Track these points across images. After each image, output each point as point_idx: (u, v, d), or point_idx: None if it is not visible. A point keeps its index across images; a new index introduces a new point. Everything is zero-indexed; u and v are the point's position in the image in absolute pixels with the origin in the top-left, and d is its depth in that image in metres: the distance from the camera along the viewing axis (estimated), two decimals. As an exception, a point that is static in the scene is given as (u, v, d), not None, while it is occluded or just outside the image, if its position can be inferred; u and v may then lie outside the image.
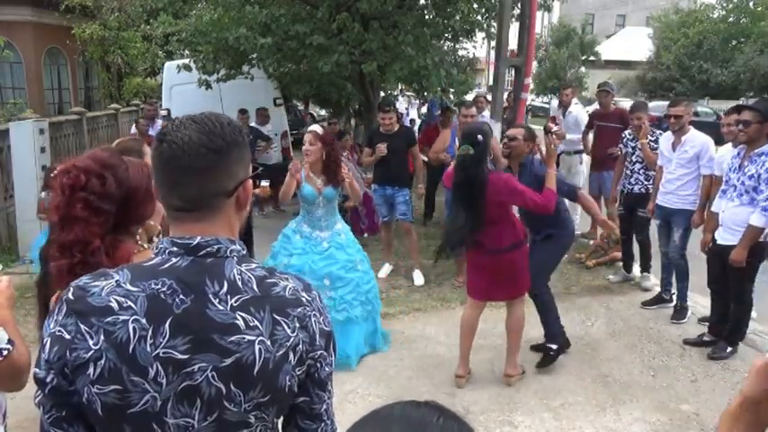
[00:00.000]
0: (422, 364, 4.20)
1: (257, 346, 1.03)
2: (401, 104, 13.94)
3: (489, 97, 8.06)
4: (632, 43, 31.63)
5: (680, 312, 4.92)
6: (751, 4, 27.46)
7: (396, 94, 12.46)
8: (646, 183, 5.34)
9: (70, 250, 1.47)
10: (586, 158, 7.19)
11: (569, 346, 4.32)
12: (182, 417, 1.02)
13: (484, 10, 8.22)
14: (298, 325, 1.08)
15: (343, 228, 4.41)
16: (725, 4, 28.22)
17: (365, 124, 9.11)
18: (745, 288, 4.15)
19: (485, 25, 9.06)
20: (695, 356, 4.32)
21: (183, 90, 8.77)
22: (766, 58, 24.85)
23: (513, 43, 6.80)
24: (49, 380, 1.00)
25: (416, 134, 7.81)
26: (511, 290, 3.85)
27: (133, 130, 8.55)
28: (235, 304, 1.04)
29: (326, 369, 1.14)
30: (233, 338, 1.02)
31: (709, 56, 26.83)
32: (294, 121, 12.14)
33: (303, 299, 1.11)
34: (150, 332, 1.00)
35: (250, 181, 1.14)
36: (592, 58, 28.81)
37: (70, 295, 1.02)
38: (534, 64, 17.97)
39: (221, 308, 1.03)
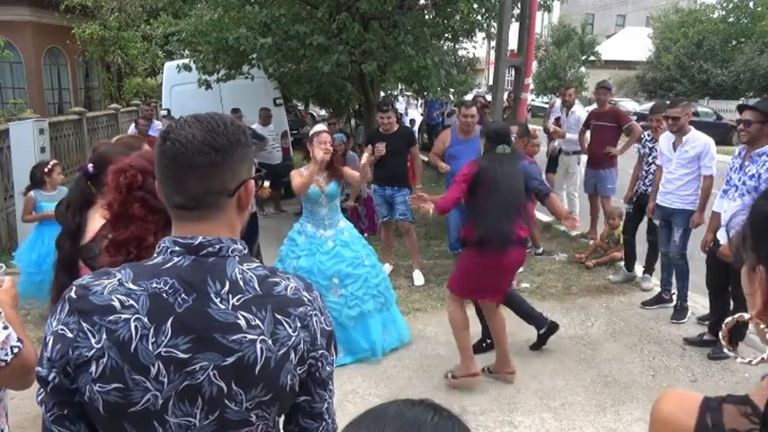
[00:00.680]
0: (422, 364, 4.19)
1: (258, 345, 1.03)
2: (401, 104, 13.95)
3: (489, 97, 8.06)
4: (632, 43, 31.61)
5: (680, 312, 4.92)
6: (751, 4, 27.45)
7: (396, 94, 12.47)
8: None
9: (126, 247, 1.49)
10: (584, 159, 7.20)
11: (558, 327, 4.41)
12: (183, 416, 1.02)
13: (484, 10, 8.23)
14: (299, 324, 1.08)
15: (346, 225, 4.47)
16: (725, 4, 28.21)
17: (365, 124, 9.11)
18: None
19: (485, 25, 9.08)
20: (695, 356, 4.32)
21: (182, 90, 8.78)
22: (766, 58, 24.85)
23: (513, 43, 6.81)
24: (51, 378, 1.00)
25: (416, 134, 7.81)
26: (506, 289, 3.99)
27: (132, 129, 8.56)
28: (236, 303, 1.04)
29: (327, 368, 1.14)
30: (234, 337, 1.02)
31: (709, 56, 26.83)
32: (294, 121, 12.13)
33: (305, 298, 1.11)
34: (152, 331, 1.00)
35: (252, 181, 1.14)
36: (592, 58, 28.78)
37: (73, 294, 1.03)
38: (534, 64, 18.02)
39: (223, 307, 1.03)
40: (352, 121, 14.10)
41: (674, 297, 5.05)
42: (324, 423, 1.17)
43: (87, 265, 1.94)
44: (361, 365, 4.17)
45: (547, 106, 11.75)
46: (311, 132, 4.44)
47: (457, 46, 11.11)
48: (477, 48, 12.40)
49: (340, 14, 6.72)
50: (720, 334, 0.89)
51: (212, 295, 1.04)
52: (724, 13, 28.33)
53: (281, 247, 4.48)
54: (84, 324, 0.99)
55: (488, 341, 4.34)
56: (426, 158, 7.27)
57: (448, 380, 3.89)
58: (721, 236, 4.15)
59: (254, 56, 7.21)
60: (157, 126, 8.29)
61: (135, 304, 1.01)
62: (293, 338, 1.07)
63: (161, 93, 10.35)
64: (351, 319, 4.23)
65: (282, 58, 7.38)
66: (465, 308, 3.89)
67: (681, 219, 4.77)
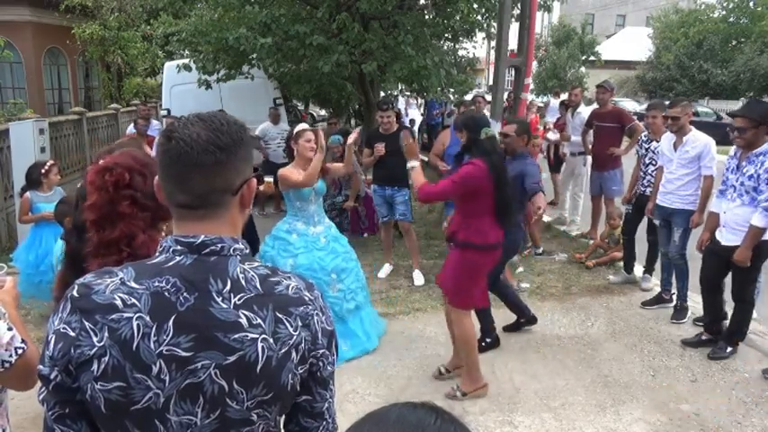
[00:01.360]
0: (422, 364, 4.19)
1: (260, 344, 1.04)
2: (401, 104, 13.96)
3: (489, 97, 8.06)
4: (632, 43, 31.61)
5: (680, 312, 4.92)
6: (751, 4, 27.45)
7: (396, 94, 12.48)
8: None
9: (117, 246, 1.48)
10: (590, 160, 7.21)
11: (536, 322, 4.68)
12: (184, 414, 1.02)
13: (484, 10, 8.23)
14: (300, 323, 1.09)
15: (330, 223, 4.59)
16: (725, 4, 28.21)
17: (365, 124, 9.11)
18: (748, 288, 4.15)
19: (485, 25, 9.08)
20: (695, 356, 4.32)
21: (182, 90, 8.78)
22: (766, 58, 24.85)
23: (513, 43, 6.80)
24: (53, 377, 1.00)
25: (416, 134, 7.81)
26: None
27: (131, 129, 8.55)
28: (238, 302, 1.05)
29: (328, 368, 1.15)
30: (236, 336, 1.03)
31: (710, 56, 26.83)
32: (294, 121, 12.14)
33: (306, 297, 1.12)
34: (154, 329, 1.00)
35: (254, 179, 1.15)
36: (592, 58, 28.77)
37: (75, 293, 1.03)
38: (534, 64, 18.00)
39: (224, 306, 1.04)
40: (352, 121, 14.11)
41: (674, 297, 5.05)
42: (324, 423, 1.18)
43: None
44: (362, 365, 4.17)
45: (542, 105, 11.76)
46: (295, 131, 4.47)
47: (457, 46, 11.11)
48: (477, 48, 12.41)
49: (340, 14, 6.71)
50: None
51: (214, 294, 1.04)
52: (724, 13, 28.33)
53: (263, 248, 4.39)
54: (86, 323, 1.00)
55: (488, 340, 4.37)
56: (426, 158, 7.26)
57: (452, 391, 3.74)
58: (722, 236, 4.15)
59: (254, 56, 7.21)
60: (156, 126, 8.28)
61: (137, 303, 1.01)
62: (294, 338, 1.07)
63: (161, 93, 10.35)
64: (349, 313, 4.36)
65: (282, 58, 7.38)
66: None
67: (681, 219, 4.77)
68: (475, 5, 7.96)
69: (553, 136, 8.46)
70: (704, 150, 4.66)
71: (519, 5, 7.07)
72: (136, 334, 0.99)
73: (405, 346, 4.48)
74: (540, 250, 6.64)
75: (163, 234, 1.66)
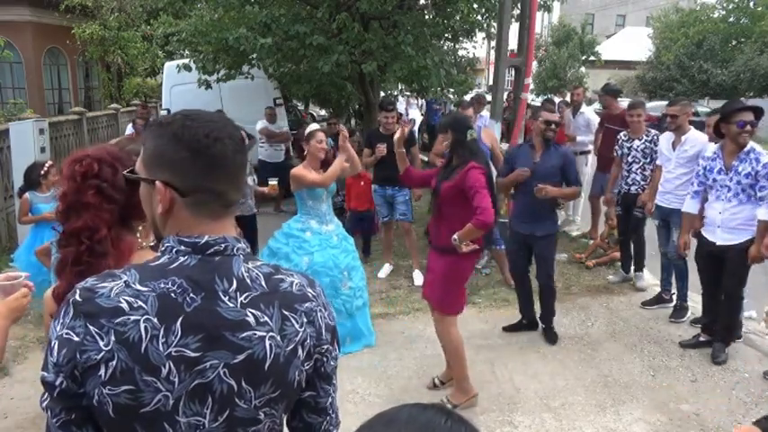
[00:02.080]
0: (422, 364, 4.19)
1: (268, 342, 1.05)
2: (401, 104, 13.96)
3: (489, 97, 8.06)
4: (632, 43, 31.59)
5: (679, 312, 4.92)
6: (751, 4, 27.42)
7: (396, 94, 12.48)
8: (642, 183, 5.35)
9: (77, 237, 1.47)
10: (592, 160, 7.21)
11: (536, 328, 4.71)
12: (193, 415, 1.02)
13: (484, 10, 8.24)
14: (305, 320, 1.10)
15: (337, 220, 4.68)
16: (725, 4, 28.18)
17: (365, 124, 9.12)
18: (742, 286, 4.16)
19: (485, 25, 9.08)
20: (695, 356, 4.32)
21: (183, 90, 8.77)
22: (766, 58, 24.82)
23: (513, 43, 6.80)
24: (58, 383, 0.99)
25: (416, 134, 7.81)
26: None
27: (130, 129, 8.56)
28: (245, 301, 1.05)
29: (332, 363, 1.16)
30: (244, 335, 1.03)
31: (710, 56, 26.80)
32: (294, 121, 12.14)
33: (309, 294, 1.13)
34: (162, 331, 1.00)
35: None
36: (592, 58, 28.76)
37: (77, 297, 1.01)
38: (534, 64, 18.02)
39: (231, 305, 1.04)
40: (353, 121, 14.11)
41: (674, 297, 5.05)
42: (328, 418, 1.19)
43: None
44: (362, 365, 4.17)
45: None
46: (307, 131, 4.53)
47: (457, 46, 11.12)
48: (477, 48, 12.41)
49: (340, 14, 6.72)
50: (763, 322, 0.92)
51: (221, 294, 1.04)
52: (724, 13, 28.29)
53: (275, 244, 4.43)
54: (91, 327, 0.98)
55: (525, 321, 4.69)
56: (426, 158, 7.27)
57: (442, 404, 3.72)
58: (717, 236, 4.13)
59: (254, 56, 7.22)
60: None
61: (144, 305, 1.00)
62: (300, 334, 1.09)
63: (161, 93, 10.35)
64: (358, 309, 4.45)
65: (282, 58, 7.38)
66: None
67: (679, 218, 4.76)
68: (475, 5, 7.96)
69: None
70: (703, 149, 4.65)
71: (519, 5, 7.08)
72: (144, 336, 0.99)
73: (405, 346, 4.48)
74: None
75: (138, 236, 1.63)
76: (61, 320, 1.01)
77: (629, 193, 5.45)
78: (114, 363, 0.98)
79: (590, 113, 7.32)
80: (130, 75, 16.64)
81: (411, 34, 6.81)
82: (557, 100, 8.23)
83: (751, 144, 3.98)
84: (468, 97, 8.85)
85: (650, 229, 5.51)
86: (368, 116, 8.64)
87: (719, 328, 4.28)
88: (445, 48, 10.30)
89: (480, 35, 10.43)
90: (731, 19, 27.92)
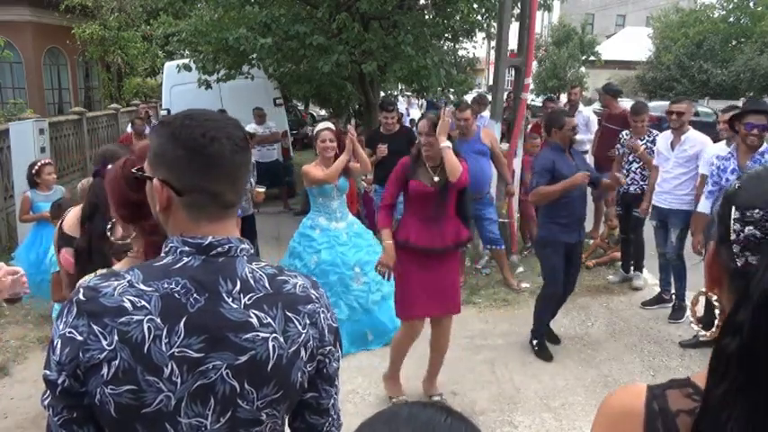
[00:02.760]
0: (422, 365, 4.18)
1: (271, 343, 1.05)
2: (401, 105, 13.97)
3: (489, 97, 8.05)
4: (632, 43, 31.58)
5: (678, 312, 4.91)
6: (751, 4, 27.43)
7: (396, 94, 12.49)
8: (642, 183, 5.36)
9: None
10: (590, 160, 7.20)
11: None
12: (194, 416, 1.02)
13: (484, 10, 8.24)
14: (308, 321, 1.10)
15: (353, 218, 4.71)
16: (725, 4, 28.18)
17: (365, 124, 9.12)
18: None
19: (485, 25, 9.07)
20: (695, 356, 4.32)
21: (183, 90, 8.78)
22: (766, 58, 24.83)
23: (513, 43, 6.80)
24: (60, 381, 0.99)
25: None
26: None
27: (129, 129, 8.57)
28: (248, 302, 1.05)
29: (334, 364, 1.17)
30: (247, 336, 1.04)
31: (710, 56, 26.80)
32: (294, 121, 12.15)
33: (312, 295, 1.13)
34: (165, 331, 1.00)
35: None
36: (592, 58, 28.77)
37: (81, 296, 1.01)
38: (534, 64, 18.02)
39: (235, 306, 1.04)
40: (353, 121, 14.11)
41: (674, 297, 5.05)
42: (330, 419, 1.20)
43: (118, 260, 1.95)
44: (362, 365, 4.17)
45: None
46: (315, 131, 4.65)
47: (457, 46, 11.12)
48: (477, 48, 12.41)
49: (340, 14, 6.72)
50: (688, 311, 0.94)
51: (224, 295, 1.04)
52: (724, 13, 28.29)
53: (292, 243, 4.59)
54: (94, 326, 0.98)
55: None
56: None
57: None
58: None
59: (254, 56, 7.22)
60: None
61: (147, 305, 1.00)
62: (303, 335, 1.09)
63: (161, 93, 10.36)
64: (375, 304, 4.42)
65: (282, 58, 7.38)
66: None
67: (677, 219, 4.76)
68: (475, 5, 7.97)
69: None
70: (702, 149, 4.66)
71: (519, 5, 7.07)
72: (147, 336, 0.99)
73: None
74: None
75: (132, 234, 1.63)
76: (64, 319, 1.01)
77: (628, 193, 5.45)
78: (117, 362, 0.98)
79: (588, 113, 7.32)
80: (130, 75, 16.64)
81: (411, 34, 6.82)
82: (563, 100, 8.23)
83: (766, 145, 3.94)
84: (469, 97, 8.86)
85: (650, 229, 5.51)
86: (368, 116, 8.64)
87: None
88: (445, 48, 10.29)
89: (480, 35, 10.43)
90: (731, 19, 27.92)
